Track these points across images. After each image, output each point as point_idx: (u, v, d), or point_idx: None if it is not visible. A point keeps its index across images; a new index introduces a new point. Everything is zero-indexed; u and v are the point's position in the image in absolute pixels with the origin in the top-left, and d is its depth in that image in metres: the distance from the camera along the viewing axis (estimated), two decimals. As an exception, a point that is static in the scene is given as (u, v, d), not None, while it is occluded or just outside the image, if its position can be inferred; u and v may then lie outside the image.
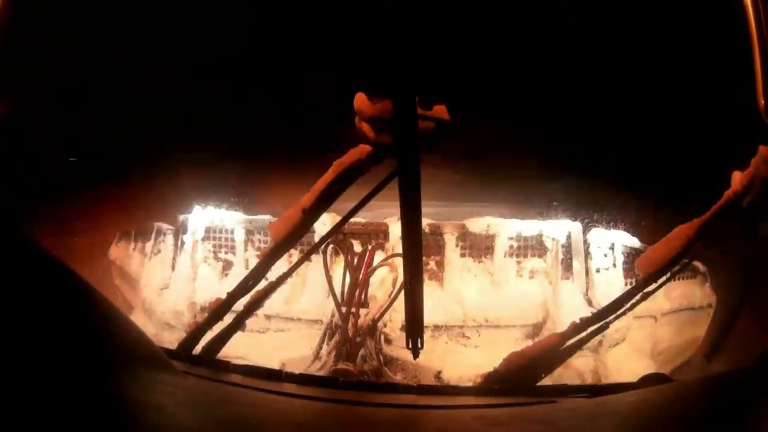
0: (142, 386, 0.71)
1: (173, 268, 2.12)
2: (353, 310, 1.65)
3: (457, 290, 1.92)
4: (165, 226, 2.23)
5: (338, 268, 1.85)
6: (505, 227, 1.99)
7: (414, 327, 1.25)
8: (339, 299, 1.69)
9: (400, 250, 1.33)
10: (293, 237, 1.28)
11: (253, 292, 1.35)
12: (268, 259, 1.31)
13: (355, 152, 1.24)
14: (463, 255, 1.99)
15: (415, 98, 1.09)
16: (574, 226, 2.00)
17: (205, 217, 2.13)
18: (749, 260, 1.23)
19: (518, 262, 2.00)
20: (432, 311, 1.74)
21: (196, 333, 1.30)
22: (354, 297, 1.68)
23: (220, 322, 1.34)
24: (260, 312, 1.88)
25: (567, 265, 1.98)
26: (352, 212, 1.24)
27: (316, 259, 1.90)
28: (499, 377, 1.23)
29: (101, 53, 2.62)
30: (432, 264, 1.95)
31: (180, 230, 2.17)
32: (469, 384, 1.41)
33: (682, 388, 1.08)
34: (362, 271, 1.74)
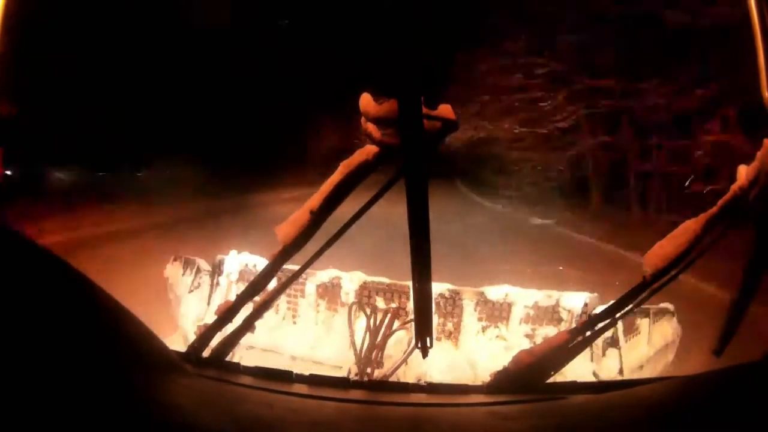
0: (159, 388, 0.72)
1: (209, 303, 2.30)
2: (368, 370, 1.82)
3: (470, 351, 2.09)
4: (204, 264, 2.40)
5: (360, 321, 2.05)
6: (522, 296, 2.10)
7: (423, 326, 1.25)
8: (359, 355, 1.88)
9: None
10: (301, 239, 1.28)
11: (261, 295, 1.35)
12: (277, 262, 1.32)
13: (361, 153, 1.24)
14: (480, 320, 2.14)
15: (421, 98, 1.10)
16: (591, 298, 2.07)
17: (239, 260, 2.32)
18: (757, 254, 1.22)
19: (533, 329, 2.09)
20: (445, 370, 1.97)
21: (205, 335, 1.31)
22: (371, 355, 1.87)
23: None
24: (286, 352, 2.11)
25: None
26: (361, 212, 1.25)
27: (342, 311, 2.15)
28: (509, 375, 1.23)
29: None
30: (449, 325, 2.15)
31: (216, 270, 2.36)
32: (480, 382, 1.42)
33: (691, 382, 1.08)
34: (381, 334, 1.92)
